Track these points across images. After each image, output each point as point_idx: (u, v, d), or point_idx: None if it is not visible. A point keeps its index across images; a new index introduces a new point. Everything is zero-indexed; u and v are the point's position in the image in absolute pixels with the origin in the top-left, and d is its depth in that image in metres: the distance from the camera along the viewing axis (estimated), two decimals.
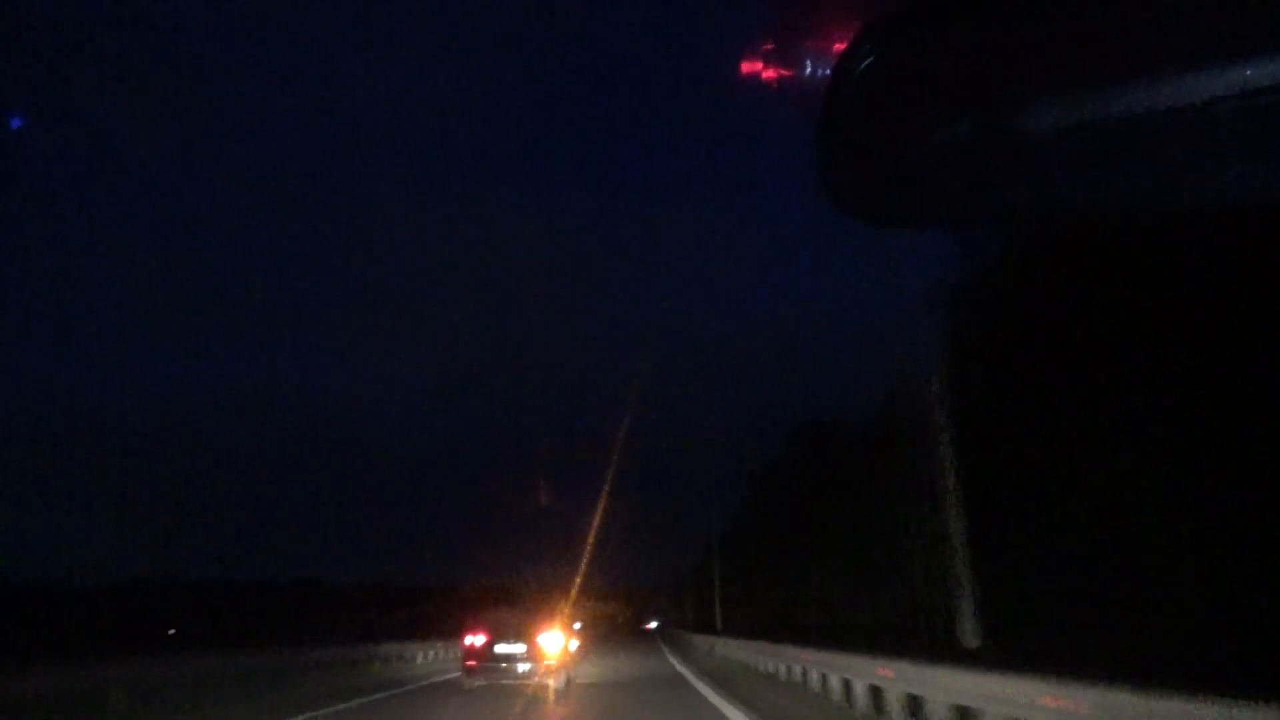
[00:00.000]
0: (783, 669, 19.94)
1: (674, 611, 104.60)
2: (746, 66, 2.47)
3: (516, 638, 17.66)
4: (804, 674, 17.65)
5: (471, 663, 17.90)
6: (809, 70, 2.23)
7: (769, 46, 2.56)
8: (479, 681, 17.88)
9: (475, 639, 17.95)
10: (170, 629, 61.00)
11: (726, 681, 19.91)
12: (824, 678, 15.83)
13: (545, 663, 17.49)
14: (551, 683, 17.48)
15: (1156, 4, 1.23)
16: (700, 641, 40.11)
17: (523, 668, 17.41)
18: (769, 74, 2.54)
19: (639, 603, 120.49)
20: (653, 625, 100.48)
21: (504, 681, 17.54)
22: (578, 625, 29.19)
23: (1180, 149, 1.26)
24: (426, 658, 31.57)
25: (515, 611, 18.80)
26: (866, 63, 1.40)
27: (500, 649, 17.59)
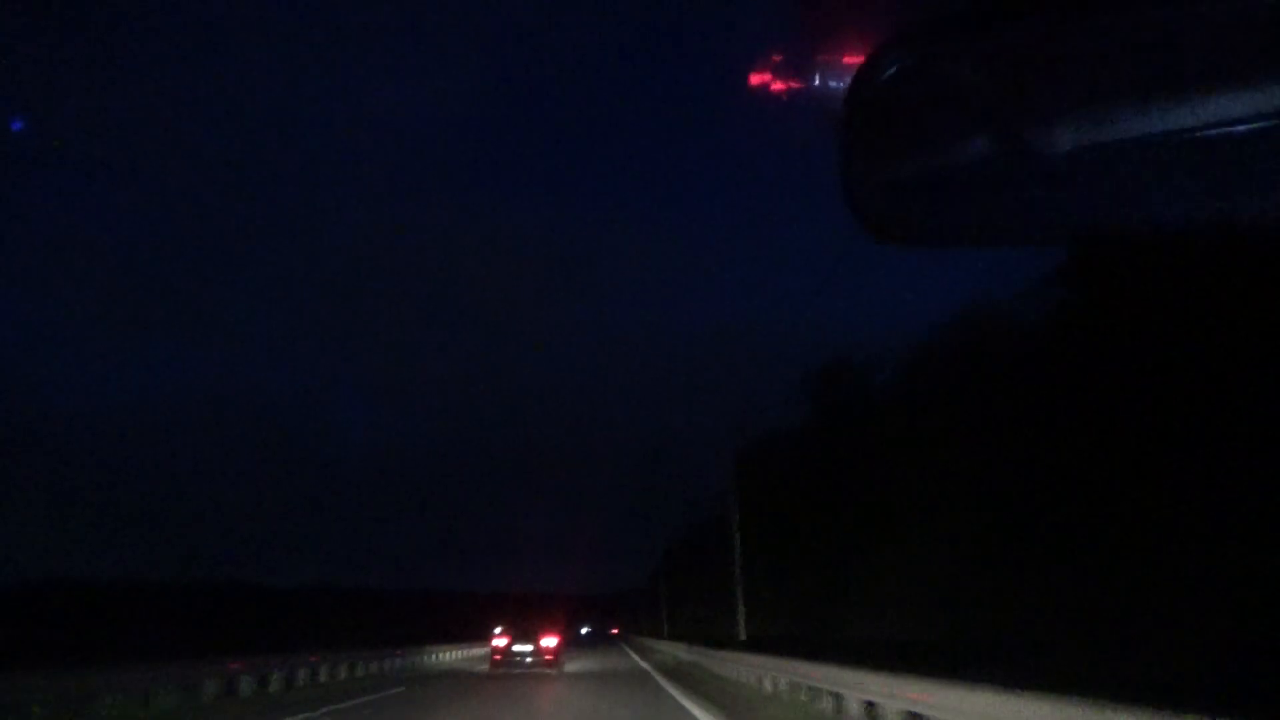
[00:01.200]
0: None
1: (632, 619, 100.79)
2: (755, 78, 2.49)
3: (526, 640, 26.70)
4: None
5: (497, 657, 26.85)
6: (818, 82, 2.25)
7: (778, 58, 2.58)
8: (501, 670, 26.28)
9: (500, 641, 27.14)
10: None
11: None
12: None
13: (545, 657, 26.48)
14: (549, 670, 25.99)
15: (1181, 23, 1.24)
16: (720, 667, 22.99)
17: (530, 660, 26.42)
18: (778, 85, 2.56)
19: (581, 610, 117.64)
20: (585, 630, 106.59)
21: (517, 670, 25.90)
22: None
23: (1205, 169, 1.28)
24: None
25: (524, 623, 28.01)
26: (887, 77, 1.40)
27: (517, 648, 26.60)
